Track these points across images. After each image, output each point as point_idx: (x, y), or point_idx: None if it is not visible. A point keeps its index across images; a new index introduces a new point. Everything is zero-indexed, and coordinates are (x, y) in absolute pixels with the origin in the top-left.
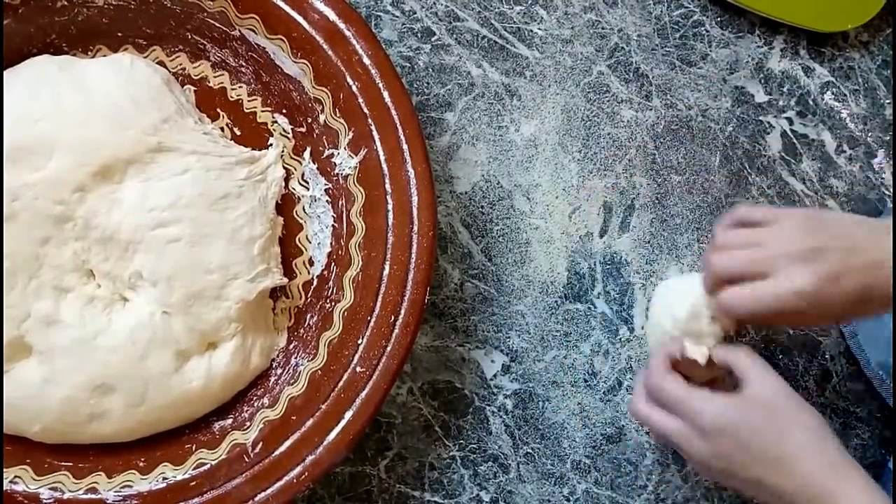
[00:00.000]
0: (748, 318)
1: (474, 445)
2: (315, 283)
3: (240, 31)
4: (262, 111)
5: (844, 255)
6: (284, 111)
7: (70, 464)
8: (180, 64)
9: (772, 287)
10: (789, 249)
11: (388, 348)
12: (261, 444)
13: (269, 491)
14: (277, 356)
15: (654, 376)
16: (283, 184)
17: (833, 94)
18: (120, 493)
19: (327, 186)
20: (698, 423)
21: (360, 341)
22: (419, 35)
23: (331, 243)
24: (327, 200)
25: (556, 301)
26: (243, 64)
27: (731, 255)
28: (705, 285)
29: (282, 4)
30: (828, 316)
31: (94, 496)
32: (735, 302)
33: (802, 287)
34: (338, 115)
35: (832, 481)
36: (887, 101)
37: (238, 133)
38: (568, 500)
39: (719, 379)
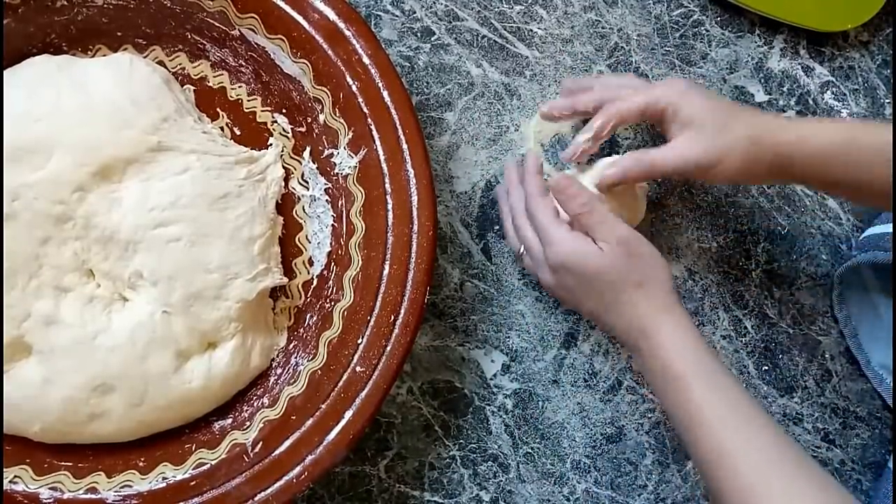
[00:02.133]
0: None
1: (474, 445)
2: (315, 282)
3: (239, 30)
4: (262, 111)
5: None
6: (284, 111)
7: (70, 464)
8: (180, 63)
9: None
10: (673, 83)
11: (388, 348)
12: (261, 443)
13: (269, 491)
14: (277, 356)
15: (531, 198)
16: (283, 183)
17: (833, 93)
18: (120, 493)
19: (327, 186)
20: (548, 253)
21: (359, 341)
22: (419, 35)
23: (331, 243)
24: (327, 200)
25: (556, 301)
26: (243, 63)
27: (601, 89)
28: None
29: (281, 4)
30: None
31: (93, 496)
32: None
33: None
34: (337, 114)
35: (653, 321)
36: (887, 101)
37: (238, 133)
38: (568, 499)
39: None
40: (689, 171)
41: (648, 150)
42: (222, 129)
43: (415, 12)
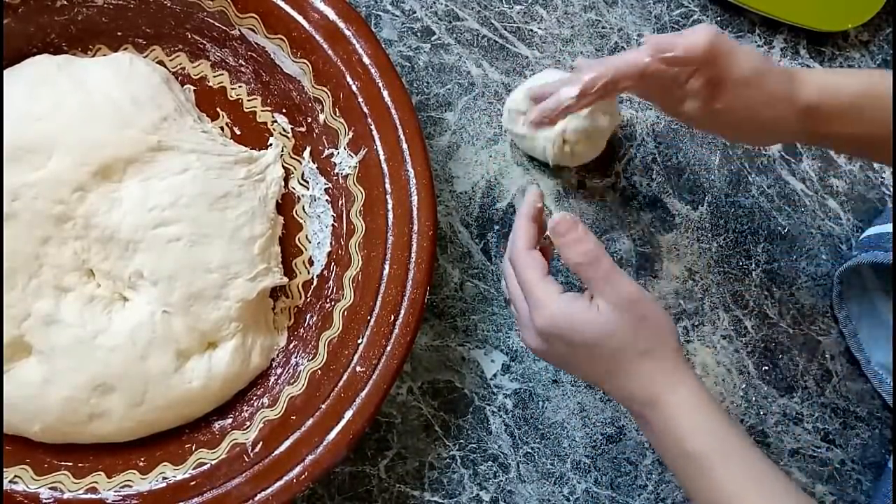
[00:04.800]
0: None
1: (474, 445)
2: (315, 282)
3: (239, 30)
4: (262, 111)
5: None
6: (284, 111)
7: (70, 464)
8: (180, 63)
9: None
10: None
11: (388, 348)
12: (261, 443)
13: (269, 490)
14: (277, 356)
15: (514, 249)
16: (283, 183)
17: None
18: (120, 493)
19: (327, 186)
20: (535, 317)
21: (360, 341)
22: (419, 34)
23: (331, 243)
24: (327, 200)
25: None
26: (243, 63)
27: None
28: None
29: (281, 4)
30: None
31: (93, 496)
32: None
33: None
34: (337, 114)
35: (663, 391)
36: None
37: (238, 132)
38: (568, 499)
39: None
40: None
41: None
42: (222, 128)
43: (415, 12)
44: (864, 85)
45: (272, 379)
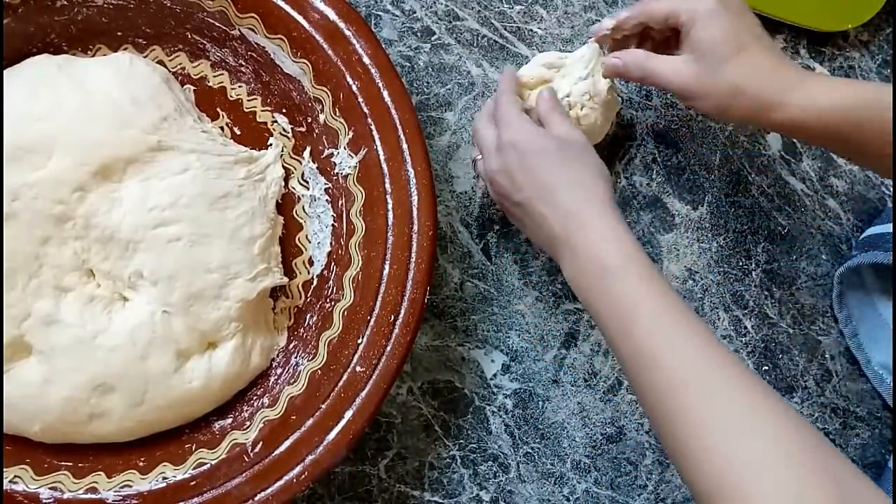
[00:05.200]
0: (627, 74)
1: (474, 445)
2: (315, 282)
3: (239, 30)
4: (262, 111)
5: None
6: (284, 111)
7: (70, 464)
8: (180, 63)
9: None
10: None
11: (388, 348)
12: (261, 443)
13: (269, 490)
14: (277, 356)
15: (499, 93)
16: (283, 183)
17: None
18: (120, 493)
19: (327, 186)
20: (503, 132)
21: (360, 341)
22: (419, 34)
23: (331, 243)
24: (327, 200)
25: (555, 301)
26: (243, 63)
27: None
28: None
29: (282, 4)
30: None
31: (93, 496)
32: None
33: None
34: (337, 114)
35: (591, 214)
36: None
37: (238, 133)
38: (568, 499)
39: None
40: (676, 92)
41: (651, 56)
42: (222, 128)
43: (415, 12)
44: (845, 108)
45: (272, 379)
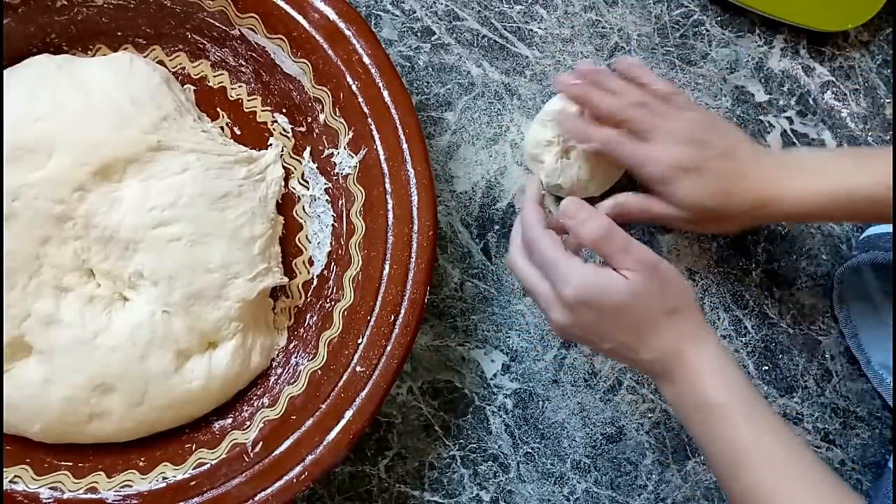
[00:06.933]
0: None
1: (474, 445)
2: (315, 282)
3: (239, 30)
4: (262, 111)
5: (721, 162)
6: (284, 110)
7: (70, 463)
8: (180, 63)
9: (644, 149)
10: (675, 129)
11: (388, 348)
12: (261, 443)
13: (269, 490)
14: (277, 356)
15: (530, 230)
16: (283, 183)
17: (833, 93)
18: (120, 493)
19: (327, 186)
20: (561, 290)
21: (360, 341)
22: (419, 34)
23: (331, 243)
24: (327, 200)
25: None
26: (243, 63)
27: (617, 98)
28: (563, 120)
29: (282, 4)
30: (682, 204)
31: (93, 496)
32: (607, 140)
33: (672, 161)
34: (337, 114)
35: (690, 347)
36: (887, 101)
37: (238, 132)
38: (568, 499)
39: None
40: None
41: (653, 204)
42: (222, 128)
43: (415, 12)
44: (831, 192)
45: (272, 379)
